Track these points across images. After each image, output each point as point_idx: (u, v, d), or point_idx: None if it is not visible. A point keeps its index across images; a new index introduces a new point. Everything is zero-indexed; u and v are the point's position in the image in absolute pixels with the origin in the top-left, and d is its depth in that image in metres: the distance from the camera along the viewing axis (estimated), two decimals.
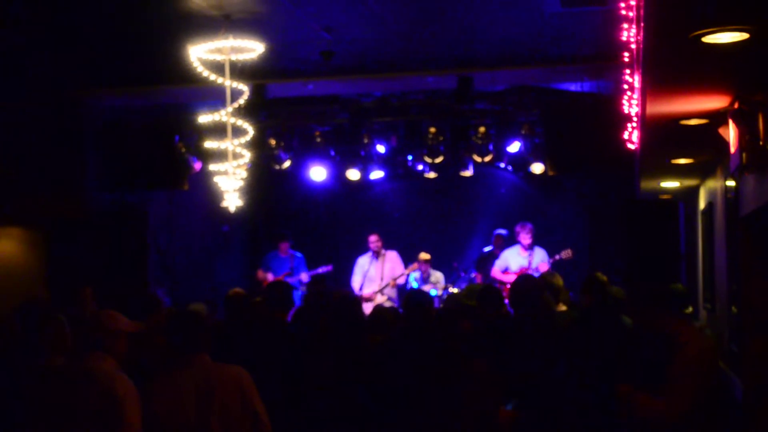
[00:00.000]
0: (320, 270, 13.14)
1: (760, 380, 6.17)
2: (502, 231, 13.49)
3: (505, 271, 12.38)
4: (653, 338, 5.92)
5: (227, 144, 9.46)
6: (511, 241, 12.99)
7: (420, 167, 13.65)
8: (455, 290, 12.37)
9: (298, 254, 13.51)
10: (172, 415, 4.70)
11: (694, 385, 5.35)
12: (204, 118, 9.54)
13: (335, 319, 6.40)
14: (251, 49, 8.61)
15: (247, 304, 7.50)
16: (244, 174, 10.55)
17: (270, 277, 13.02)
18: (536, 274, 11.33)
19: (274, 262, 13.43)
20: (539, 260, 12.29)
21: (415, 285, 12.83)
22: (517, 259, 12.41)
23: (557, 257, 12.26)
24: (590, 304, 7.18)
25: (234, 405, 4.80)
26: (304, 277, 13.09)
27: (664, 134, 6.49)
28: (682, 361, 5.44)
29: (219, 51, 8.65)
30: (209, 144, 10.10)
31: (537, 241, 12.55)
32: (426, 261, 13.04)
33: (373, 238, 13.03)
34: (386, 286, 12.71)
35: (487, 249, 13.75)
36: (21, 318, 6.38)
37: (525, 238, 12.38)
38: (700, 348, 5.47)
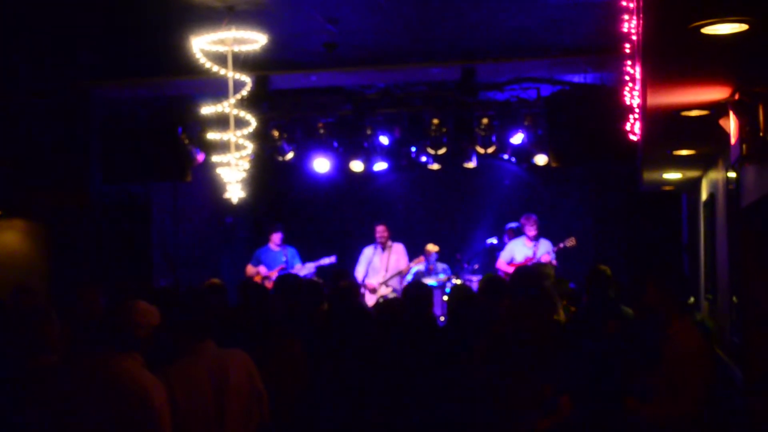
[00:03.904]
0: (324, 261, 12.93)
1: (761, 370, 6.20)
2: (514, 224, 13.39)
3: (511, 262, 12.40)
4: (649, 330, 5.89)
5: (230, 135, 9.47)
6: (517, 232, 12.99)
7: (423, 159, 13.61)
8: (458, 282, 12.38)
9: (291, 247, 13.07)
10: (191, 401, 4.66)
11: (693, 387, 5.18)
12: (207, 110, 9.55)
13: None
14: (254, 40, 8.62)
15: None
16: (246, 165, 10.54)
17: (263, 271, 12.69)
18: None
19: (266, 256, 12.92)
20: (544, 251, 12.32)
21: (409, 277, 12.78)
22: (522, 250, 12.45)
23: (561, 245, 12.30)
24: (593, 298, 7.17)
25: (245, 386, 4.92)
26: (299, 269, 12.68)
27: (665, 125, 6.50)
28: (673, 360, 5.28)
29: (222, 42, 8.66)
30: (212, 135, 10.10)
31: (541, 232, 12.56)
32: (434, 252, 13.03)
33: (380, 229, 12.92)
34: (390, 278, 12.69)
35: (489, 241, 13.72)
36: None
37: (530, 229, 12.43)
38: (688, 346, 5.26)
